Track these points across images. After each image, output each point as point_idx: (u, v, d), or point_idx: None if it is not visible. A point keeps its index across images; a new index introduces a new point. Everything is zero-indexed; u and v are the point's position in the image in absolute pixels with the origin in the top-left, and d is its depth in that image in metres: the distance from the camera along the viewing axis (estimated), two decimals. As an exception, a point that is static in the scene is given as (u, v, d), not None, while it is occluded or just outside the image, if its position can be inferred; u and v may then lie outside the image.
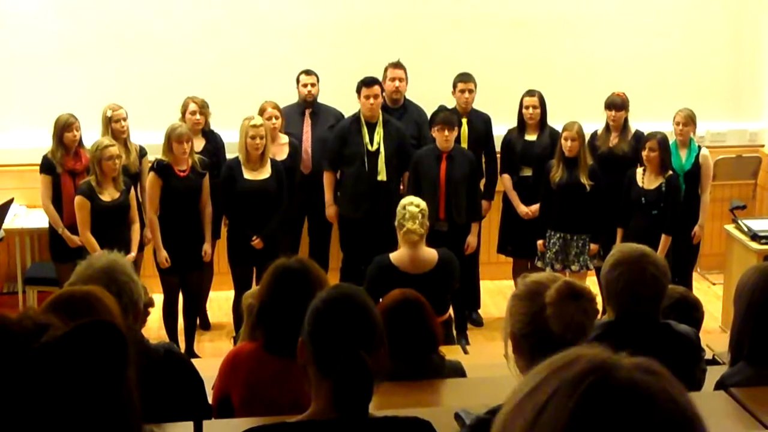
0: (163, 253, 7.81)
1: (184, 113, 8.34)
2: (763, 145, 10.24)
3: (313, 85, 8.75)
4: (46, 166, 7.94)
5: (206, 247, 7.96)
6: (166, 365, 3.91)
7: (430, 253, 6.52)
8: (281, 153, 8.30)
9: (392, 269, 6.39)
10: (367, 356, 2.64)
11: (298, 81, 8.78)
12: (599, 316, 3.43)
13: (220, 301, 8.90)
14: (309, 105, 8.80)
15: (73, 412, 1.47)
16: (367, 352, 2.64)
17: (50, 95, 9.01)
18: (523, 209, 8.58)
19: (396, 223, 6.56)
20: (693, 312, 5.09)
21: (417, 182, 8.09)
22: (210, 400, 4.15)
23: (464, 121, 8.58)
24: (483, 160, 8.76)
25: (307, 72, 8.79)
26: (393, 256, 6.49)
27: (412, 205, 6.54)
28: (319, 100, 8.85)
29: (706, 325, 5.65)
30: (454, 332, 7.93)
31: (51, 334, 1.51)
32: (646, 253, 4.08)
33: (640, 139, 8.31)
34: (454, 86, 8.68)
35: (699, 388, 4.13)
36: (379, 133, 8.27)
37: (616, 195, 8.15)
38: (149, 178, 7.82)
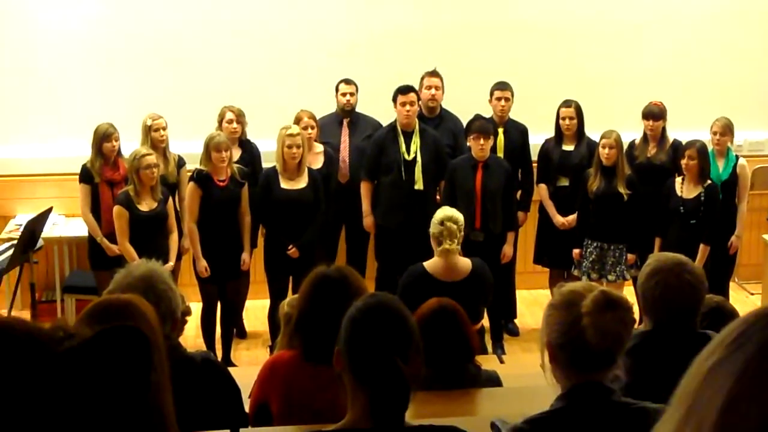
0: (203, 263, 7.84)
1: (220, 122, 8.37)
2: (801, 154, 10.17)
3: (352, 94, 8.76)
4: (85, 176, 8.00)
5: (245, 256, 7.98)
6: (203, 374, 3.93)
7: (464, 262, 6.51)
8: (316, 162, 8.32)
9: (426, 277, 6.40)
10: (403, 364, 2.64)
11: (337, 90, 8.80)
12: (636, 326, 3.42)
13: (256, 310, 8.92)
14: (347, 114, 8.82)
15: (98, 415, 1.48)
16: (403, 360, 2.64)
17: (90, 105, 9.09)
18: (559, 219, 8.56)
19: (431, 234, 6.54)
20: (729, 321, 5.04)
21: (452, 192, 8.08)
22: (247, 408, 4.16)
23: (500, 131, 8.56)
24: (519, 171, 8.73)
25: (347, 81, 8.80)
26: (427, 264, 6.49)
27: (450, 221, 6.49)
28: (356, 109, 8.87)
29: (744, 336, 5.60)
30: (489, 342, 7.92)
31: (75, 339, 1.53)
32: (683, 262, 4.05)
33: (678, 148, 8.27)
34: (491, 94, 8.67)
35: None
36: (415, 142, 8.27)
37: (653, 205, 8.11)
38: (189, 188, 7.85)
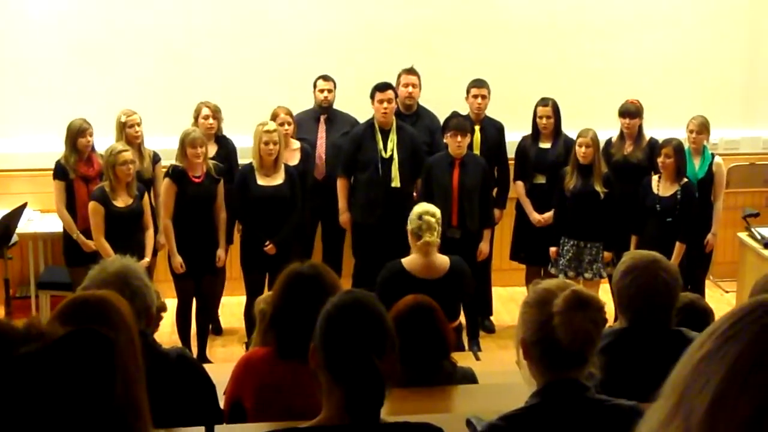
0: (178, 259, 7.82)
1: (197, 118, 8.36)
2: (776, 153, 10.22)
3: (329, 90, 8.75)
4: (60, 172, 7.96)
5: (220, 252, 7.97)
6: (178, 370, 3.92)
7: (443, 260, 6.50)
8: (293, 158, 8.31)
9: (404, 274, 6.37)
10: (378, 361, 2.63)
11: (314, 86, 8.79)
12: (611, 323, 3.43)
13: (232, 307, 8.90)
14: (324, 111, 8.81)
15: (61, 418, 1.46)
16: (378, 357, 2.64)
17: (64, 100, 9.05)
18: (535, 216, 8.57)
19: (409, 230, 6.52)
20: (702, 318, 5.05)
21: (429, 189, 8.08)
22: (222, 405, 4.15)
23: (477, 128, 8.56)
24: (495, 168, 8.73)
25: (325, 77, 8.79)
26: (405, 261, 6.47)
27: (428, 214, 6.46)
28: (334, 106, 8.86)
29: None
30: (465, 339, 7.92)
31: (41, 340, 1.50)
32: (658, 260, 4.07)
33: (654, 147, 8.30)
34: (468, 92, 8.68)
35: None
36: (392, 140, 8.27)
37: (630, 203, 8.14)
38: (164, 184, 7.83)
